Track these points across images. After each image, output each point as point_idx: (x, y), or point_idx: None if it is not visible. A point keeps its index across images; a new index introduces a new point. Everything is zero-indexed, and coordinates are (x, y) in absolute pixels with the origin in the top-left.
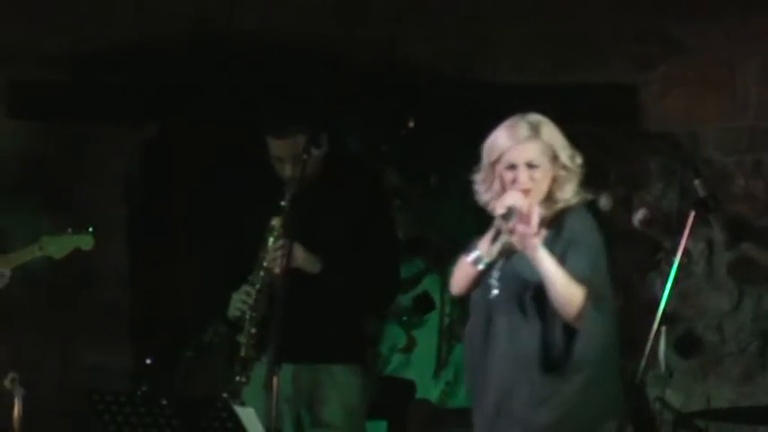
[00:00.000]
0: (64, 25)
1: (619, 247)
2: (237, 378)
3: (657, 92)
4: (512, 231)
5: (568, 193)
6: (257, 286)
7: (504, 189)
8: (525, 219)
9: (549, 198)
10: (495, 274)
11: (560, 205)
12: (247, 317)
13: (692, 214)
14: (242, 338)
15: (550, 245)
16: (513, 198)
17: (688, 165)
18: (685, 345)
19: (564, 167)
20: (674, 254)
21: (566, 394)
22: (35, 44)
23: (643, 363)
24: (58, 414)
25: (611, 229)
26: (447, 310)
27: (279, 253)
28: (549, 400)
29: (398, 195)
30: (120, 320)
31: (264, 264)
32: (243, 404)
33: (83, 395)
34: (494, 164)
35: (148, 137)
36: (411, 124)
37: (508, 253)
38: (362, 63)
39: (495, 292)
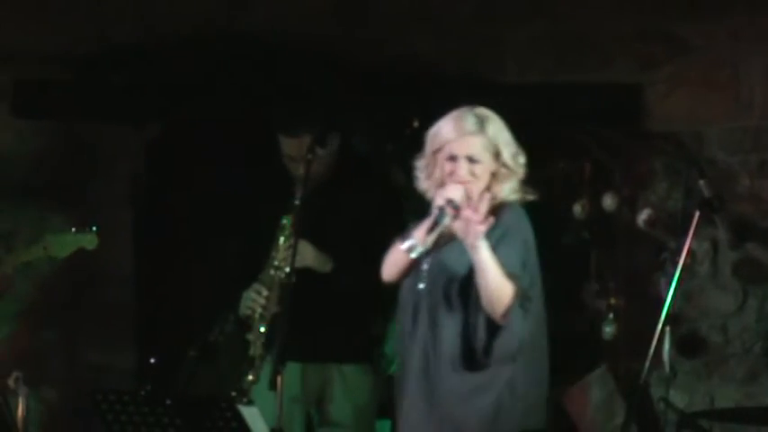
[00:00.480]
0: (68, 25)
1: (623, 248)
2: (246, 377)
3: (662, 92)
4: (457, 216)
5: (506, 191)
6: (268, 285)
7: (444, 178)
8: (473, 205)
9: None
10: (425, 266)
11: (497, 202)
12: (257, 315)
13: (697, 214)
14: (251, 337)
15: (485, 237)
16: (452, 191)
17: (692, 165)
18: (689, 345)
19: (505, 165)
20: (679, 254)
21: (485, 391)
22: (39, 43)
23: (647, 363)
24: (61, 413)
25: (616, 229)
26: None
27: (290, 252)
28: (470, 396)
29: (403, 195)
30: (124, 320)
31: (275, 263)
32: (251, 403)
33: (87, 394)
34: (435, 153)
35: (152, 136)
36: (415, 124)
37: (440, 244)
38: (365, 63)
39: (422, 285)
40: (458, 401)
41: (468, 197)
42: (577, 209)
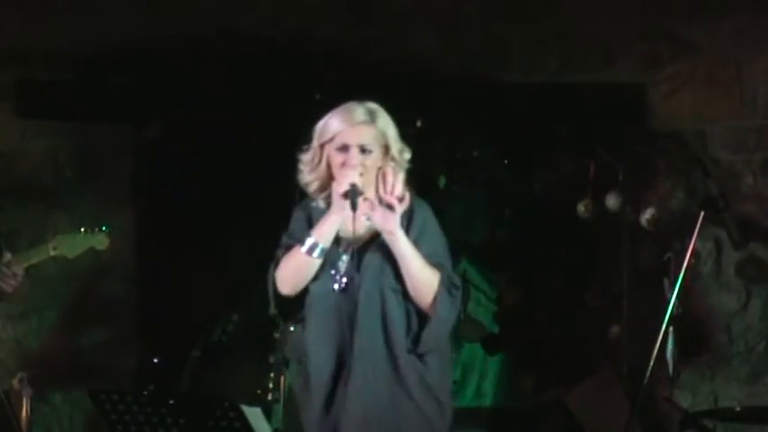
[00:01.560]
0: (71, 25)
1: (627, 247)
2: (273, 375)
3: (665, 91)
4: (371, 208)
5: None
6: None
7: (329, 172)
8: (389, 187)
9: (378, 190)
10: (342, 265)
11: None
12: None
13: (701, 214)
14: (279, 336)
15: (402, 227)
16: (352, 176)
17: (696, 164)
18: (693, 345)
19: (393, 159)
20: (683, 253)
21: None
22: (42, 44)
23: (651, 363)
24: (65, 414)
25: (620, 228)
26: None
27: None
28: (398, 396)
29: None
30: (127, 320)
31: None
32: (276, 401)
33: (90, 395)
34: (324, 145)
35: (154, 136)
36: (419, 124)
37: (348, 245)
38: (369, 62)
39: (338, 286)
40: (388, 402)
41: (383, 179)
42: (581, 208)
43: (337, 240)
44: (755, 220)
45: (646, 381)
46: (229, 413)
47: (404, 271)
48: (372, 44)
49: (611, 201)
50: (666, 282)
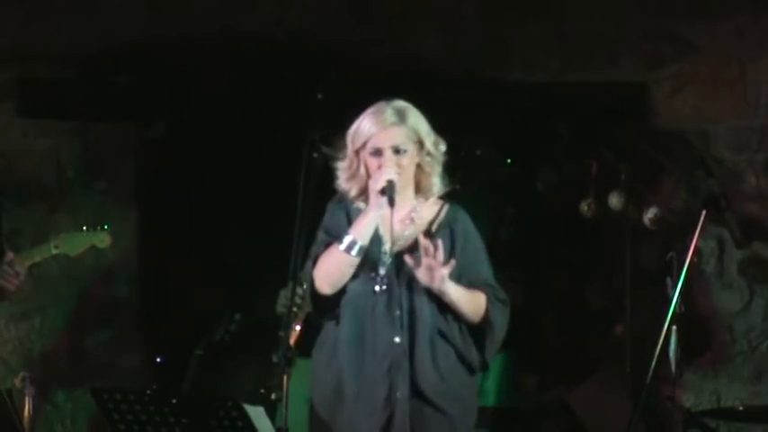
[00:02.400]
0: (73, 24)
1: (629, 246)
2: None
3: (668, 91)
4: (417, 265)
5: (437, 185)
6: (305, 284)
7: (367, 176)
8: (430, 252)
9: (418, 190)
10: (383, 268)
11: (433, 198)
12: (291, 313)
13: (703, 213)
14: (283, 334)
15: (446, 243)
16: (389, 173)
17: (699, 164)
18: (696, 344)
19: (429, 154)
20: (685, 253)
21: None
22: (44, 43)
23: (653, 362)
24: (67, 413)
25: (622, 227)
26: None
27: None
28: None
29: None
30: (130, 319)
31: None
32: (279, 400)
33: (92, 394)
34: (358, 151)
35: (157, 135)
36: None
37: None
38: (370, 62)
39: (379, 288)
40: (445, 397)
41: (424, 248)
42: (583, 207)
43: (378, 241)
44: (758, 219)
45: (648, 380)
46: (232, 412)
47: (454, 308)
48: (374, 44)
49: (614, 200)
50: (669, 281)
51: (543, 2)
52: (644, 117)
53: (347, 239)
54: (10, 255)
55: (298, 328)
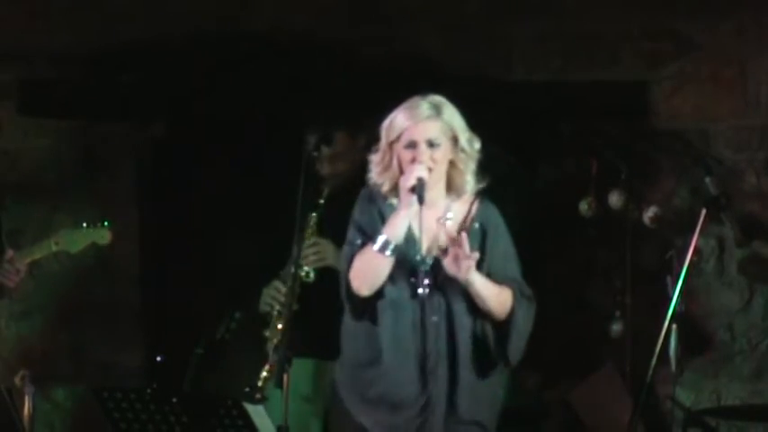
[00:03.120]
0: (74, 23)
1: (629, 245)
2: (261, 373)
3: (669, 90)
4: (444, 255)
5: (470, 183)
6: (288, 283)
7: (401, 171)
8: (458, 242)
9: (450, 188)
10: (421, 273)
11: (466, 196)
12: (275, 312)
13: (704, 212)
14: (269, 333)
15: (474, 238)
16: (419, 170)
17: (699, 162)
18: (696, 343)
19: (463, 150)
20: (685, 252)
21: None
22: (45, 42)
23: (653, 361)
24: (68, 412)
25: (622, 226)
26: None
27: (312, 250)
28: (489, 397)
29: None
30: (130, 318)
31: (298, 261)
32: (265, 400)
33: (93, 392)
34: (392, 143)
35: (158, 135)
36: None
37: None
38: (372, 61)
39: (422, 291)
40: (479, 405)
41: (451, 239)
42: (584, 206)
43: (414, 242)
44: (758, 218)
45: (649, 379)
46: (232, 411)
47: (479, 302)
48: (375, 43)
49: (614, 199)
50: (669, 279)
51: (544, 0)
52: (644, 116)
53: (381, 239)
54: (10, 252)
55: (280, 326)
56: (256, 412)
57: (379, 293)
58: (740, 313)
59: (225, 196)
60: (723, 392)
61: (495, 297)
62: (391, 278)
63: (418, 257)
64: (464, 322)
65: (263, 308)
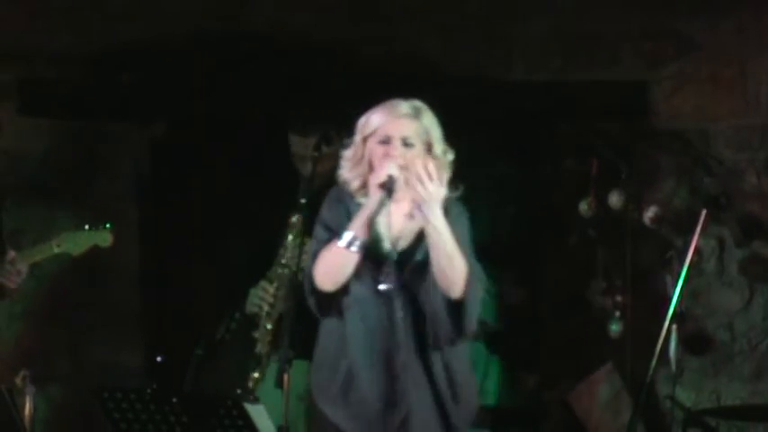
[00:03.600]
0: (74, 23)
1: (629, 245)
2: (252, 374)
3: (669, 89)
4: (414, 183)
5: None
6: (275, 283)
7: (371, 168)
8: (425, 167)
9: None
10: (386, 267)
11: (421, 190)
12: (264, 313)
13: (704, 212)
14: (258, 334)
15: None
16: (390, 167)
17: (699, 163)
18: (696, 343)
19: (435, 158)
20: (685, 252)
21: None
22: (45, 42)
23: (654, 361)
24: (68, 412)
25: (622, 226)
26: None
27: (297, 250)
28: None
29: None
30: (130, 318)
31: (283, 260)
32: (257, 400)
33: (93, 393)
34: (366, 138)
35: (158, 135)
36: None
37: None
38: (373, 60)
39: (385, 286)
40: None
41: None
42: (584, 206)
43: (380, 238)
44: (759, 218)
45: (648, 379)
46: (232, 411)
47: (434, 254)
48: (375, 43)
49: (614, 199)
50: (669, 279)
51: (544, 0)
52: (644, 116)
53: (347, 235)
54: (12, 253)
55: (269, 326)
56: (257, 412)
57: (344, 290)
58: (740, 313)
59: (225, 196)
60: (723, 392)
61: (454, 252)
62: (357, 275)
63: (383, 251)
64: (414, 314)
65: (251, 309)
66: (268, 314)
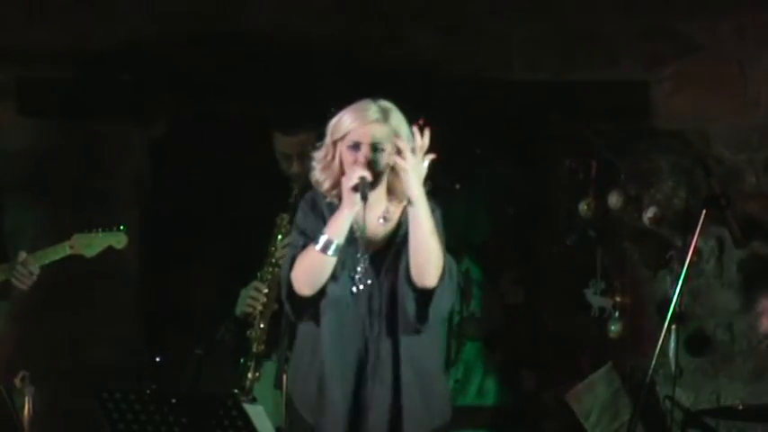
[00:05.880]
0: (73, 23)
1: (629, 246)
2: (249, 374)
3: (668, 90)
4: (399, 156)
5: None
6: (267, 282)
7: (342, 170)
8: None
9: (391, 193)
10: (361, 268)
11: (405, 201)
12: (258, 313)
13: (703, 212)
14: (252, 334)
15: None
16: (361, 170)
17: (699, 163)
18: (695, 343)
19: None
20: (685, 252)
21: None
22: (44, 41)
23: (653, 361)
24: (67, 412)
25: (621, 227)
26: (456, 308)
27: (287, 249)
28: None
29: None
30: (130, 318)
31: (273, 260)
32: (254, 400)
33: (92, 393)
34: (336, 142)
35: (158, 135)
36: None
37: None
38: (370, 60)
39: (357, 288)
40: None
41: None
42: (583, 207)
43: (355, 242)
44: (758, 219)
45: (648, 379)
46: (232, 412)
47: (414, 227)
48: (374, 42)
49: (614, 199)
50: (669, 280)
51: (543, 1)
52: (644, 116)
53: (323, 239)
54: (23, 254)
55: (263, 326)
56: (256, 413)
57: (322, 292)
58: (740, 313)
59: (225, 196)
60: (723, 393)
61: (432, 238)
62: (333, 278)
63: (356, 254)
64: (405, 315)
65: (242, 308)
66: (261, 314)
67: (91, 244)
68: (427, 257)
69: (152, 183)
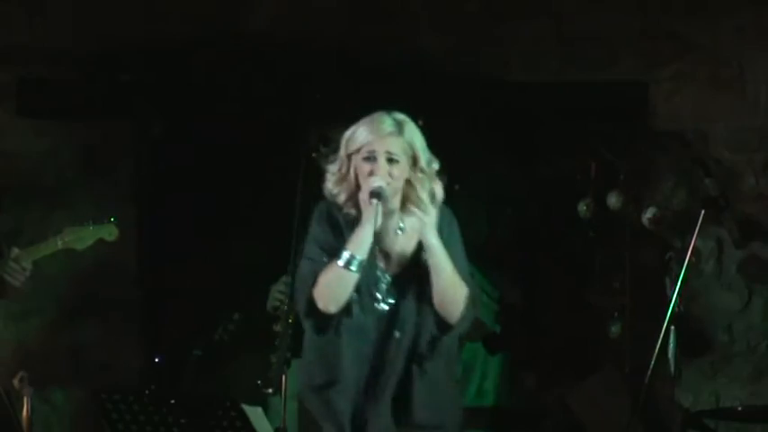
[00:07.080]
0: (73, 24)
1: (628, 246)
2: (272, 367)
3: (667, 90)
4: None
5: (425, 202)
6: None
7: (357, 183)
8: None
9: (404, 204)
10: (383, 287)
11: (419, 213)
12: (285, 307)
13: (702, 213)
14: (279, 328)
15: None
16: (378, 180)
17: (698, 164)
18: (695, 344)
19: (421, 170)
20: (684, 253)
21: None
22: (44, 42)
23: (652, 362)
24: (66, 413)
25: (621, 227)
26: None
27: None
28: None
29: None
30: (129, 319)
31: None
32: (275, 393)
33: (91, 394)
34: (351, 155)
35: (157, 135)
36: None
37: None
38: (370, 61)
39: (385, 306)
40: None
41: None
42: (582, 208)
43: (376, 259)
44: (757, 219)
45: (647, 380)
46: (231, 412)
47: (434, 278)
48: (375, 43)
49: (613, 200)
50: (668, 281)
51: (543, 1)
52: (643, 117)
53: (345, 255)
54: (15, 250)
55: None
56: (254, 414)
57: (346, 310)
58: (739, 314)
59: (224, 196)
60: (722, 394)
61: (452, 275)
62: (355, 295)
63: (378, 272)
64: (426, 336)
65: (272, 303)
66: (290, 308)
67: (82, 237)
68: (453, 297)
69: (150, 183)
